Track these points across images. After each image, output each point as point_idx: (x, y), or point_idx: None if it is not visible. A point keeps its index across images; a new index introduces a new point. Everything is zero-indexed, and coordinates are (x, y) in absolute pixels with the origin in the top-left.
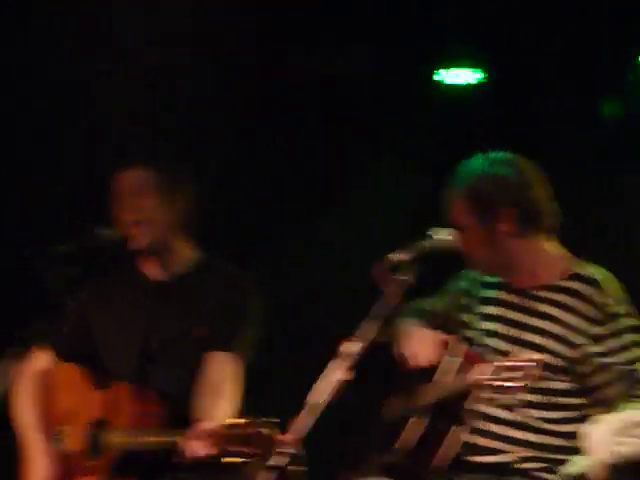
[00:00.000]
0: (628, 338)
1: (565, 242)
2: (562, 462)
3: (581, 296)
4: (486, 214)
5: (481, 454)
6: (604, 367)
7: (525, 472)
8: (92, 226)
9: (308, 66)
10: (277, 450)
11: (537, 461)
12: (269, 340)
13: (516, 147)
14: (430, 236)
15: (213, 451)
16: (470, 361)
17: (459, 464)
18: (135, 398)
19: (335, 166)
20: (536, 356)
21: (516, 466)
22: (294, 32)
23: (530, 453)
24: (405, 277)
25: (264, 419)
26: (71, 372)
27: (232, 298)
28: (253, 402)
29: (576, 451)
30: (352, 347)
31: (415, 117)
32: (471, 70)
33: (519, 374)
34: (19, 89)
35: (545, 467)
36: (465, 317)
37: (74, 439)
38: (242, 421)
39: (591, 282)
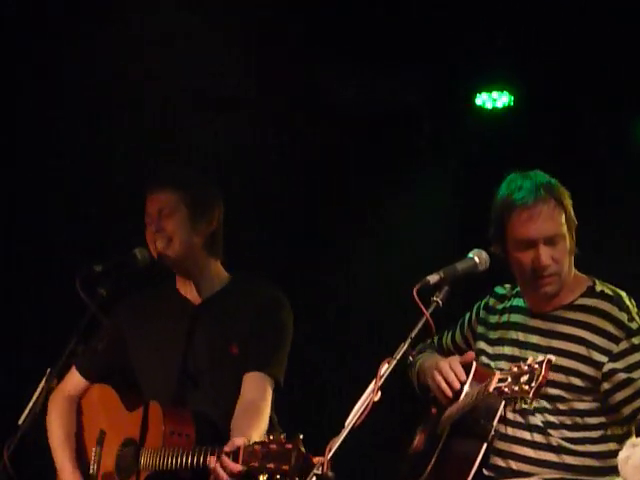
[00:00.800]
0: None
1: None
2: None
3: (599, 312)
4: (573, 222)
5: (506, 476)
6: (626, 383)
7: None
8: (129, 246)
9: (350, 92)
10: (307, 460)
11: None
12: (307, 361)
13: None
14: (466, 258)
15: (244, 470)
16: (481, 377)
17: None
18: (167, 418)
19: (371, 188)
20: (541, 357)
21: None
22: (335, 60)
23: (555, 474)
24: (439, 299)
25: (287, 435)
26: (104, 392)
27: (265, 317)
28: (291, 423)
29: (599, 471)
30: (388, 368)
31: (453, 141)
32: (507, 93)
33: (529, 377)
34: (57, 106)
35: None
36: (480, 344)
37: (107, 459)
38: (269, 438)
39: (606, 297)
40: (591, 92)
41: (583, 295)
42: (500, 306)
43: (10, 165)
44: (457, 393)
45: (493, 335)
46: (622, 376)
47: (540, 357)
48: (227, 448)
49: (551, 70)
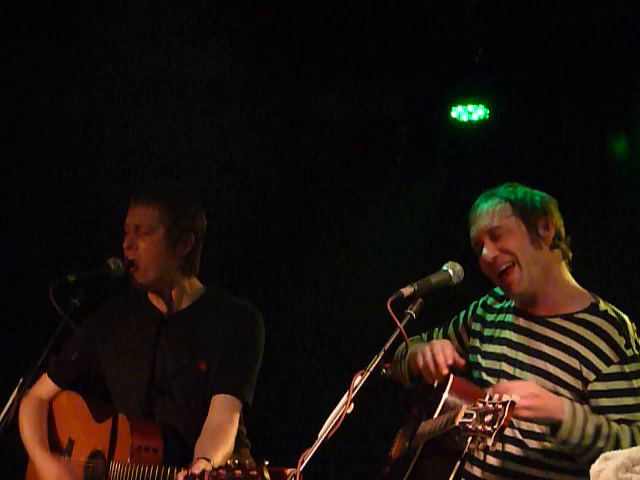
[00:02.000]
0: (635, 384)
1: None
2: None
3: (598, 330)
4: (533, 215)
5: None
6: (599, 409)
7: None
8: (103, 257)
9: (326, 104)
10: None
11: None
12: (280, 373)
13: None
14: (440, 271)
15: None
16: (460, 389)
17: None
18: (135, 432)
19: (347, 199)
20: (506, 397)
21: None
22: (316, 74)
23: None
24: (413, 311)
25: (253, 462)
26: (74, 400)
27: (237, 334)
28: (263, 435)
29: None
30: (361, 380)
31: (429, 153)
32: (482, 107)
33: (493, 417)
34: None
35: None
36: (474, 342)
37: (74, 470)
38: (235, 463)
39: (608, 318)
40: (567, 107)
41: (585, 310)
42: (498, 305)
43: None
44: (436, 399)
45: (487, 333)
46: (604, 401)
47: (505, 397)
48: (194, 470)
49: (527, 84)
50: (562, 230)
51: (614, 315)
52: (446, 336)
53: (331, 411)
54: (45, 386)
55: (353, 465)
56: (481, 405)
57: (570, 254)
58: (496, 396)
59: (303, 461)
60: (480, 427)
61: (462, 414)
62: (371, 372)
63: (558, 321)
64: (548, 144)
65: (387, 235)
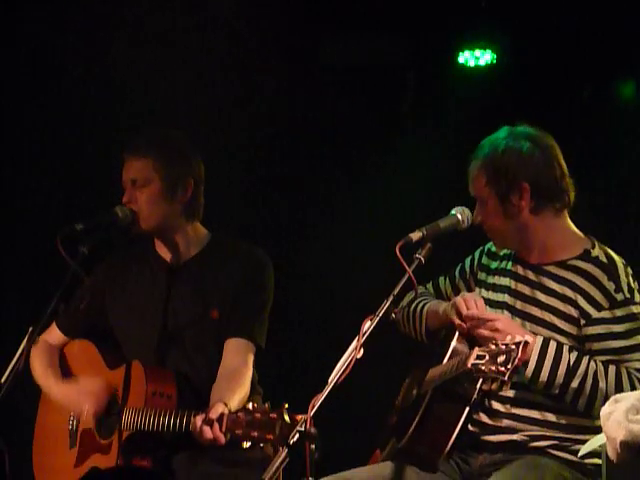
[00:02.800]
0: (628, 326)
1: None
2: (569, 440)
3: (589, 277)
4: (505, 187)
5: (491, 433)
6: (590, 353)
7: (536, 449)
8: (110, 205)
9: (333, 51)
10: (291, 429)
11: (546, 439)
12: (290, 318)
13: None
14: (449, 215)
15: (224, 435)
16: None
17: (472, 444)
18: (150, 378)
19: (355, 147)
20: (519, 338)
21: (526, 444)
22: (323, 19)
23: (537, 432)
24: (422, 256)
25: (272, 403)
26: (85, 347)
27: (246, 279)
28: (274, 381)
29: (583, 429)
30: (370, 325)
31: (436, 98)
32: (489, 51)
33: (506, 358)
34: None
35: (554, 444)
36: (479, 290)
37: (87, 418)
38: (253, 407)
39: (598, 264)
40: (574, 50)
41: (578, 257)
42: (502, 253)
43: None
44: (443, 348)
45: (490, 280)
46: (594, 345)
47: (518, 338)
48: (212, 415)
49: (534, 28)
50: (561, 180)
51: (604, 260)
52: (454, 285)
53: (341, 357)
54: (54, 335)
55: (362, 410)
56: (493, 347)
57: (571, 199)
58: (508, 338)
59: (314, 406)
60: (493, 368)
61: (474, 356)
62: (380, 317)
63: (552, 269)
64: (555, 88)
65: (395, 181)
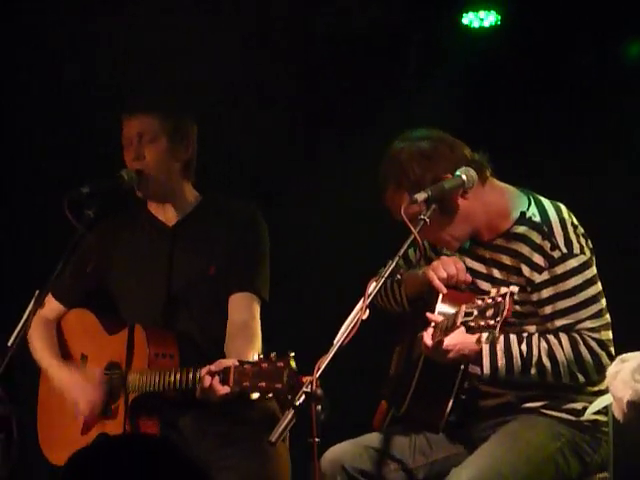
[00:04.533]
0: (572, 282)
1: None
2: (560, 399)
3: (526, 240)
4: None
5: (483, 398)
6: (545, 318)
7: (530, 410)
8: (114, 169)
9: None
10: (298, 389)
11: (538, 399)
12: (295, 279)
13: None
14: (454, 176)
15: (233, 388)
16: (452, 298)
17: (466, 410)
18: (151, 340)
19: (362, 109)
20: (504, 289)
21: (519, 405)
22: None
23: (528, 392)
24: (427, 217)
25: (278, 353)
26: (83, 316)
27: (241, 234)
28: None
29: (570, 389)
30: (375, 286)
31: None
32: (494, 12)
33: (494, 311)
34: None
35: (546, 404)
36: None
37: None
38: (260, 357)
39: (531, 225)
40: (580, 12)
41: (516, 222)
42: None
43: None
44: (429, 309)
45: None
46: (545, 310)
47: (503, 289)
48: (215, 368)
49: None
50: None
51: (537, 219)
52: (425, 256)
53: (346, 318)
54: (50, 306)
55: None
56: (480, 302)
57: (487, 171)
58: (494, 291)
59: (319, 368)
60: (483, 322)
61: (462, 313)
62: (385, 278)
63: (500, 241)
64: (561, 49)
65: None
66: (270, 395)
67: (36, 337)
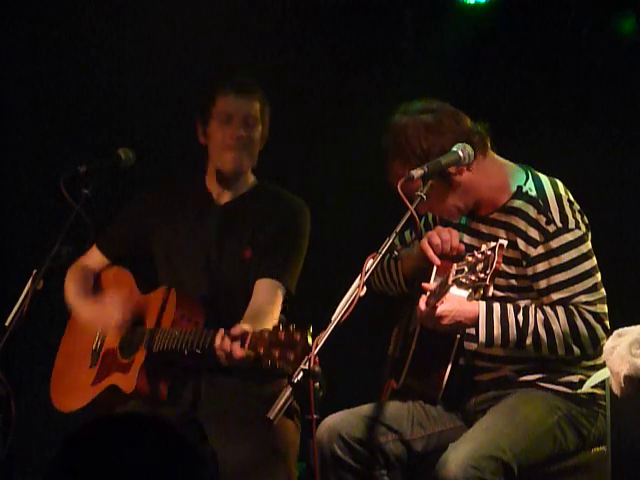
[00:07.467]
0: (567, 256)
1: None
2: (556, 372)
3: (522, 214)
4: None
5: (480, 372)
6: (540, 292)
7: (526, 383)
8: (113, 147)
9: None
10: (296, 366)
11: (534, 372)
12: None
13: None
14: (451, 152)
15: (248, 354)
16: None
17: (463, 385)
18: (180, 303)
19: (357, 84)
20: (493, 243)
21: (516, 378)
22: None
23: (524, 366)
24: (424, 193)
25: (298, 326)
26: (121, 276)
27: (284, 225)
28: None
29: (565, 362)
30: (373, 263)
31: (436, 36)
32: None
33: (484, 264)
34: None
35: (542, 377)
36: None
37: (111, 337)
38: (275, 326)
39: (527, 199)
40: None
41: (512, 196)
42: None
43: None
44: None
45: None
46: (540, 284)
47: (492, 243)
48: (234, 331)
49: None
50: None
51: (533, 194)
52: (421, 236)
53: (344, 295)
54: (93, 256)
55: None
56: (470, 258)
57: (489, 142)
58: (483, 246)
59: (317, 345)
60: (474, 277)
61: (453, 272)
62: (383, 255)
63: (497, 215)
64: (555, 24)
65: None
66: (281, 364)
67: (72, 282)
